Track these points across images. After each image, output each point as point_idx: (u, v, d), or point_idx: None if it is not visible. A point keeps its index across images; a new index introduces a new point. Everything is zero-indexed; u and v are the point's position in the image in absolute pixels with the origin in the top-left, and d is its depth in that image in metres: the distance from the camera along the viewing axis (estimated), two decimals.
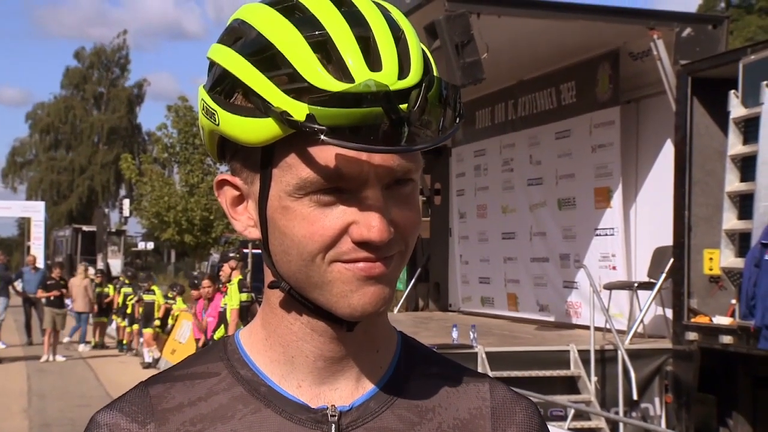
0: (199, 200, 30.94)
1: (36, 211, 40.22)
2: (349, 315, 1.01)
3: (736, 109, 7.64)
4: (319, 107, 0.93)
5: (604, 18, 9.52)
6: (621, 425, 8.17)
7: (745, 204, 7.55)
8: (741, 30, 30.73)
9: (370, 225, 0.97)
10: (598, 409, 8.12)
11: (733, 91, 7.66)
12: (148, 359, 18.30)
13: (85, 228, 41.49)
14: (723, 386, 8.22)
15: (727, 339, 7.70)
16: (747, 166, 7.56)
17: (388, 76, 0.95)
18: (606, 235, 10.42)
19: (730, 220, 7.69)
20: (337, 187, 0.98)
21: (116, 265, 35.73)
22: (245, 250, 22.34)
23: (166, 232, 31.66)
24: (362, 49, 0.97)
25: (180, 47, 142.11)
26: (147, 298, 18.97)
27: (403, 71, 0.97)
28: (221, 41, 1.04)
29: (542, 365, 8.32)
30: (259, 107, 0.97)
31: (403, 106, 0.94)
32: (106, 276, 23.67)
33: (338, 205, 0.98)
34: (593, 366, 8.36)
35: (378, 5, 1.01)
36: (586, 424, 8.14)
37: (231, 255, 12.41)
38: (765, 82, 7.27)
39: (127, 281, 21.15)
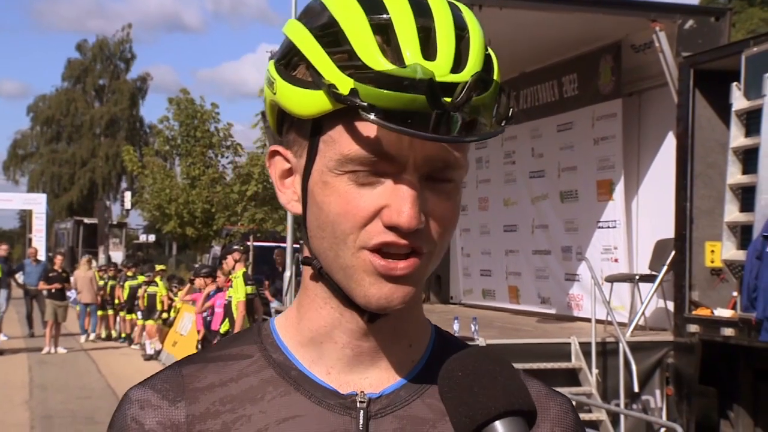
0: (200, 193, 30.91)
1: (37, 204, 40.29)
2: (363, 305, 1.03)
3: (739, 101, 7.63)
4: (363, 84, 0.95)
5: (606, 10, 9.50)
6: (622, 417, 8.18)
7: (746, 196, 7.54)
8: (743, 22, 30.67)
9: (401, 210, 0.98)
10: (599, 402, 8.13)
11: (735, 84, 7.64)
12: (150, 351, 18.33)
13: (86, 220, 41.58)
14: (724, 378, 8.22)
15: (728, 331, 7.70)
16: (749, 159, 7.55)
17: (439, 68, 0.97)
18: (608, 227, 10.42)
19: (732, 213, 7.68)
20: (376, 168, 0.99)
21: (118, 257, 35.78)
22: (248, 243, 22.34)
23: (167, 225, 31.64)
24: (421, 38, 0.98)
25: (178, 40, 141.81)
26: (150, 290, 19.00)
27: (458, 67, 0.98)
28: (298, 17, 1.08)
29: (543, 357, 8.32)
30: (314, 80, 1.00)
31: (447, 99, 0.95)
32: (116, 268, 23.66)
33: (375, 186, 1.00)
34: (594, 358, 8.36)
35: (450, 3, 1.03)
36: (587, 416, 8.15)
37: (235, 247, 12.36)
38: (767, 75, 7.25)
39: (129, 273, 21.16)
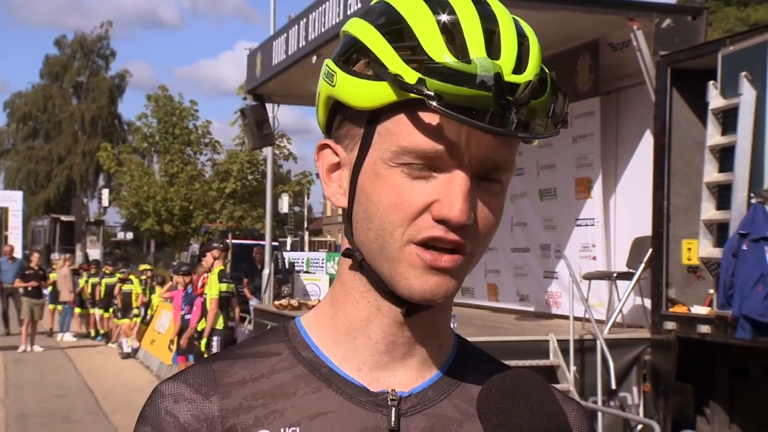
0: (178, 190, 30.78)
1: (13, 201, 39.91)
2: (407, 296, 1.04)
3: (715, 99, 7.67)
4: (430, 78, 0.97)
5: (584, 8, 9.53)
6: (599, 414, 8.21)
7: (723, 194, 7.59)
8: (719, 22, 30.88)
9: (453, 205, 1.00)
10: (576, 399, 8.15)
11: (712, 82, 7.69)
12: (126, 349, 18.23)
13: (63, 218, 41.30)
14: (700, 375, 8.27)
15: (704, 329, 7.74)
16: (725, 157, 7.60)
17: (503, 66, 1.00)
18: (586, 225, 10.46)
19: (709, 211, 7.73)
20: (431, 163, 1.01)
21: (95, 255, 35.55)
22: (227, 240, 22.25)
23: (145, 222, 31.50)
24: (486, 39, 1.01)
25: (156, 36, 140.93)
26: (125, 288, 18.89)
27: (519, 68, 1.01)
28: (360, 16, 1.09)
29: (522, 355, 8.34)
30: (377, 72, 1.01)
31: (510, 98, 0.98)
32: (98, 266, 23.47)
33: (428, 180, 1.02)
34: (572, 355, 8.39)
35: (513, 17, 1.07)
36: None
37: (214, 245, 12.30)
38: (743, 73, 7.30)
39: (107, 271, 21.03)
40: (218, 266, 11.57)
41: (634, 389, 8.64)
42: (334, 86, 1.06)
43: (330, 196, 1.11)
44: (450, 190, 1.01)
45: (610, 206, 10.39)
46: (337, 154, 1.10)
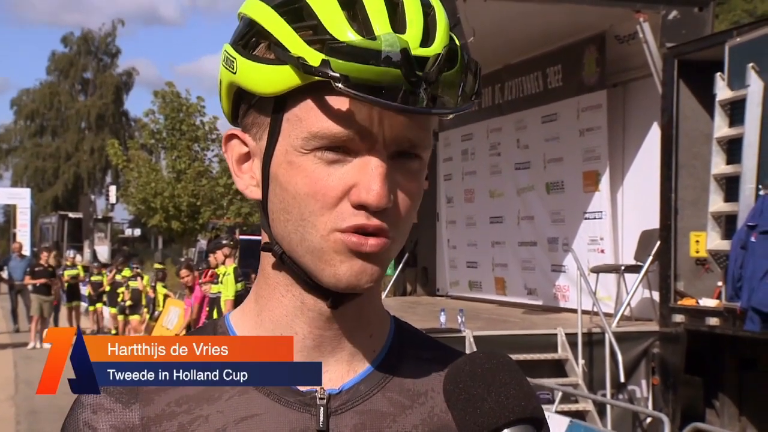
0: (186, 186, 30.80)
1: (21, 198, 39.99)
2: (333, 285, 1.00)
3: (722, 91, 7.65)
4: (335, 58, 0.93)
5: (590, 1, 9.51)
6: (608, 407, 8.21)
7: (731, 186, 7.57)
8: (726, 14, 30.75)
9: (370, 188, 0.96)
10: (585, 392, 8.15)
11: (719, 74, 7.67)
12: None
13: (71, 215, 41.35)
14: (709, 368, 8.26)
15: (713, 321, 7.73)
16: (733, 149, 7.58)
17: (410, 40, 0.96)
18: (594, 218, 10.45)
19: (717, 203, 7.71)
20: (344, 146, 0.97)
21: (103, 251, 35.63)
22: (236, 237, 22.26)
23: (153, 219, 31.53)
24: (389, 12, 0.97)
25: (157, 33, 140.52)
26: (134, 285, 18.90)
27: (426, 41, 0.97)
28: None
29: (530, 349, 8.34)
30: (278, 56, 0.97)
31: (419, 72, 0.95)
32: (102, 264, 23.47)
33: (343, 165, 0.98)
34: (581, 349, 8.38)
35: None
36: (573, 406, 8.18)
37: (224, 242, 12.28)
38: (751, 65, 7.28)
39: (116, 268, 21.03)
40: (231, 264, 11.54)
41: (643, 382, 8.63)
42: (235, 73, 1.01)
43: (243, 189, 1.06)
44: (366, 173, 0.97)
45: (617, 199, 10.38)
46: (246, 144, 1.05)
